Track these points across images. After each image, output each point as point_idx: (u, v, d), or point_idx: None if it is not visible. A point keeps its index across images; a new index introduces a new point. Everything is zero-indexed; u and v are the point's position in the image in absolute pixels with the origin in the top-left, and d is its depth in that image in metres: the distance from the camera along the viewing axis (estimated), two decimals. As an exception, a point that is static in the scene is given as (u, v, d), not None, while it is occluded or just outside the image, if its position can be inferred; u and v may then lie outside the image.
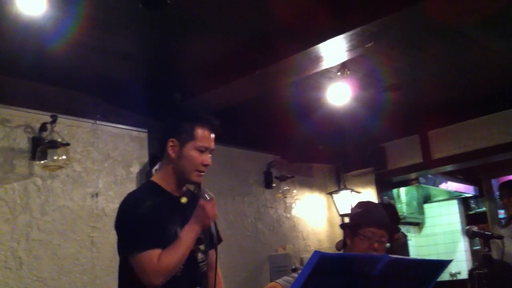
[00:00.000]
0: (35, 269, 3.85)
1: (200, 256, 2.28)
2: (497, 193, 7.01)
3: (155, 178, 2.36)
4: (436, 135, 5.85)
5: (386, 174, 6.24)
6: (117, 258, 3.50)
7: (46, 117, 4.04)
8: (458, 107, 5.53)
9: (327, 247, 6.05)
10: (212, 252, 2.44)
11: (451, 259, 1.87)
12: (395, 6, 3.25)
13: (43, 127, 4.01)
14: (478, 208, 7.78)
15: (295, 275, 2.59)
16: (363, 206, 2.75)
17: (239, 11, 3.48)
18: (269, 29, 3.74)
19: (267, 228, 5.69)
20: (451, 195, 7.77)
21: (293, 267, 5.14)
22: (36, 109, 4.05)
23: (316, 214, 6.27)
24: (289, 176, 5.78)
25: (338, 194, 6.10)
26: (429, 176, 6.79)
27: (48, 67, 3.88)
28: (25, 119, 4.02)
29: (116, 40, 3.69)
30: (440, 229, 7.94)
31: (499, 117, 5.41)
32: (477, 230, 2.96)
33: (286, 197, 5.90)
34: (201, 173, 2.27)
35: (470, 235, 2.99)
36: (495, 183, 7.34)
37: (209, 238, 2.42)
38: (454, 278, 7.25)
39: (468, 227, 3.04)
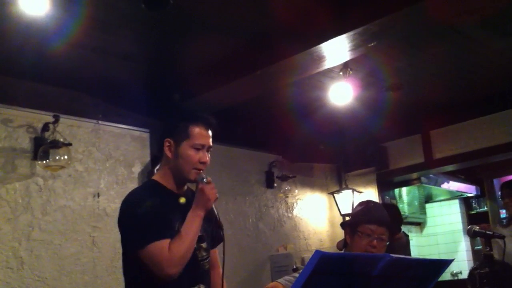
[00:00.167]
0: (36, 269, 3.86)
1: (201, 254, 2.29)
2: (498, 193, 7.01)
3: (156, 177, 2.38)
4: (437, 135, 5.85)
5: (388, 174, 6.24)
6: (118, 258, 3.49)
7: (48, 117, 4.04)
8: (460, 107, 5.53)
9: (329, 246, 6.06)
10: (214, 251, 2.46)
11: (452, 258, 1.86)
12: (396, 5, 3.25)
13: (45, 127, 4.02)
14: (480, 208, 7.77)
15: (296, 274, 2.60)
16: (363, 205, 2.77)
17: (239, 11, 3.48)
18: (270, 29, 3.74)
19: (268, 228, 5.70)
20: (453, 195, 7.76)
21: (294, 266, 5.14)
22: (38, 109, 4.06)
23: (317, 214, 6.27)
24: (290, 176, 5.78)
25: (340, 194, 6.09)
26: (431, 176, 6.79)
27: (49, 67, 3.88)
28: (27, 119, 4.03)
29: (117, 40, 3.69)
30: (441, 229, 7.93)
31: (501, 117, 5.41)
32: (478, 230, 2.96)
33: (287, 197, 5.90)
34: (199, 171, 2.27)
35: (471, 234, 2.98)
36: (496, 183, 7.34)
37: (211, 237, 2.43)
38: (455, 278, 7.24)
39: (469, 226, 3.04)
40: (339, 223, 2.89)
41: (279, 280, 2.59)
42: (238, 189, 5.46)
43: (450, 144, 5.74)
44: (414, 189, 7.39)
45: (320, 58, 3.85)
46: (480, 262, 2.96)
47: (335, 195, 6.13)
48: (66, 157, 3.94)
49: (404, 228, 6.15)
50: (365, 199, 3.23)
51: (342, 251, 2.77)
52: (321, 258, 1.46)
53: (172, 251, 2.09)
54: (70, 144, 4.01)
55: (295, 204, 6.05)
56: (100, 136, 4.44)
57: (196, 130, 2.28)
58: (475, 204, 7.86)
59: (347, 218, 5.78)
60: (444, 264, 1.81)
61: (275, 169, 5.81)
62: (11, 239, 3.79)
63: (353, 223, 2.65)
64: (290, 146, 5.87)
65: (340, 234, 2.80)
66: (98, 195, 4.31)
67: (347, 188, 6.13)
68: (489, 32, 4.01)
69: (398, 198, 7.25)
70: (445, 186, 7.26)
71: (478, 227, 2.99)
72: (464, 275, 7.07)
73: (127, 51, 3.90)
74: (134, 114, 4.62)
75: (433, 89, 5.10)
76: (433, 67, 4.64)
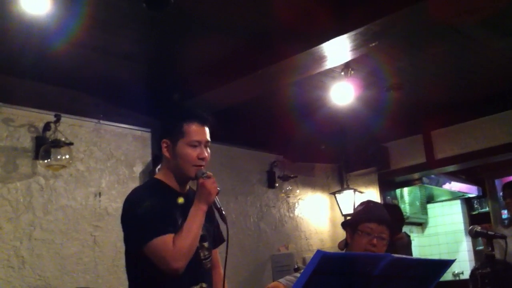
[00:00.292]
0: (37, 268, 3.86)
1: (203, 253, 2.29)
2: (500, 194, 7.00)
3: (159, 175, 2.39)
4: (439, 135, 5.84)
5: (389, 174, 6.24)
6: (119, 257, 3.51)
7: (49, 116, 4.05)
8: (461, 107, 5.53)
9: (330, 246, 6.05)
10: (215, 251, 2.46)
11: (454, 259, 1.86)
12: (397, 5, 3.25)
13: (46, 127, 4.02)
14: (481, 208, 7.76)
15: (297, 274, 2.60)
16: (364, 204, 2.78)
17: (240, 11, 3.48)
18: (271, 29, 3.73)
19: (269, 227, 5.70)
20: (454, 195, 7.75)
21: (296, 266, 5.14)
22: (39, 108, 4.06)
23: (319, 214, 6.27)
24: (291, 175, 5.78)
25: (341, 194, 6.09)
26: (432, 176, 6.78)
27: (50, 66, 3.88)
28: (29, 119, 4.03)
29: (118, 40, 3.69)
30: (443, 229, 7.92)
31: (502, 117, 5.40)
32: (480, 230, 2.96)
33: (288, 196, 5.90)
34: (200, 167, 2.27)
35: (473, 235, 2.98)
36: (498, 183, 7.33)
37: (213, 237, 2.44)
38: (457, 278, 7.24)
39: (471, 227, 3.03)
40: (340, 223, 2.90)
41: (280, 280, 2.60)
42: (240, 189, 5.46)
43: (451, 144, 5.73)
44: (415, 189, 7.39)
45: (321, 58, 3.85)
46: (482, 262, 2.95)
47: (336, 195, 6.13)
48: (67, 156, 3.95)
49: (405, 229, 6.15)
50: (366, 199, 3.24)
51: (344, 251, 2.78)
52: (323, 258, 1.45)
53: (176, 245, 2.09)
54: (71, 144, 4.01)
55: (296, 204, 6.05)
56: (102, 136, 4.44)
57: (191, 127, 2.28)
58: (476, 204, 7.85)
59: (349, 218, 5.78)
60: (445, 264, 1.81)
61: (276, 169, 5.81)
62: (12, 238, 3.79)
63: (354, 222, 2.67)
64: (291, 146, 5.87)
65: (342, 234, 2.81)
66: (100, 194, 4.32)
67: (348, 188, 6.13)
68: (490, 32, 4.01)
69: (399, 198, 7.24)
70: (446, 186, 7.25)
71: (479, 228, 2.99)
72: (466, 275, 7.06)
73: (128, 51, 3.90)
74: (135, 114, 4.62)
75: (434, 89, 5.09)
76: (434, 67, 4.64)
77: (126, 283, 2.33)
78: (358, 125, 5.79)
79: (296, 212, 6.03)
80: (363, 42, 3.61)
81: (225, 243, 2.54)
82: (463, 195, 7.74)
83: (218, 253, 2.52)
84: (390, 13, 3.30)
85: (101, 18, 3.39)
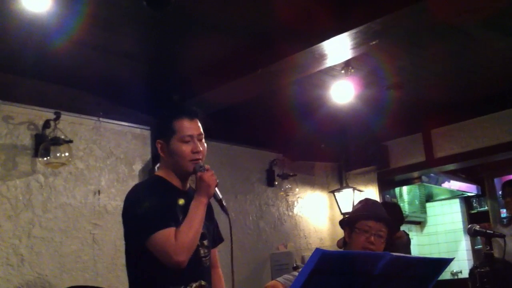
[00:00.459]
0: (36, 266, 3.86)
1: (203, 250, 2.30)
2: (499, 192, 7.00)
3: (159, 173, 2.41)
4: (438, 134, 5.84)
5: (389, 173, 6.23)
6: (118, 255, 3.51)
7: (49, 114, 4.05)
8: (461, 106, 5.53)
9: (329, 245, 6.05)
10: (214, 251, 2.48)
11: (452, 257, 1.86)
12: (398, 4, 3.25)
13: (46, 124, 4.02)
14: (480, 207, 7.77)
15: (296, 273, 2.60)
16: (362, 202, 2.79)
17: (241, 10, 3.48)
18: (271, 28, 3.73)
19: (268, 226, 5.70)
20: (454, 194, 7.76)
21: (295, 265, 5.14)
22: (39, 106, 4.06)
23: (318, 213, 6.27)
24: (291, 174, 5.78)
25: (341, 193, 6.09)
26: (432, 175, 6.78)
27: (51, 64, 3.88)
28: (28, 116, 4.03)
29: (119, 38, 3.69)
30: (442, 228, 7.93)
31: (502, 116, 5.40)
32: (479, 229, 2.96)
33: (288, 195, 5.90)
34: (197, 161, 2.28)
35: (472, 233, 2.99)
36: (497, 182, 7.34)
37: (213, 234, 2.44)
38: (456, 277, 7.24)
39: (470, 225, 3.04)
40: (338, 222, 2.90)
41: (278, 279, 2.60)
42: (239, 187, 5.46)
43: (451, 143, 5.73)
44: (414, 188, 7.39)
45: (321, 57, 3.84)
46: (481, 261, 2.96)
47: (335, 193, 6.13)
48: (67, 154, 3.94)
49: (404, 227, 6.16)
50: (364, 198, 3.24)
51: (342, 250, 2.78)
52: (322, 256, 1.45)
53: (178, 238, 2.10)
54: (71, 142, 4.01)
55: (295, 202, 6.05)
56: (101, 134, 4.44)
57: (180, 123, 2.30)
58: (475, 203, 7.86)
59: (347, 217, 5.77)
60: (444, 263, 1.81)
61: (276, 167, 5.81)
62: (11, 236, 3.79)
63: (351, 221, 2.67)
64: (291, 145, 5.86)
65: (341, 232, 2.81)
66: (99, 192, 4.31)
67: (347, 186, 6.13)
68: (491, 32, 4.01)
69: (398, 197, 7.25)
70: (446, 185, 7.25)
71: (478, 226, 2.99)
72: (464, 274, 7.08)
73: (129, 50, 3.90)
74: (135, 112, 4.62)
75: (434, 88, 5.09)
76: (434, 66, 4.64)
77: (125, 281, 2.33)
78: (358, 123, 5.79)
79: (295, 210, 6.03)
80: (364, 41, 3.61)
81: (223, 242, 2.56)
82: (462, 194, 7.74)
83: (217, 252, 2.53)
84: (391, 12, 3.30)
85: (102, 17, 3.38)
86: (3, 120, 3.91)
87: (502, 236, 3.11)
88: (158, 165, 2.48)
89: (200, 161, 2.29)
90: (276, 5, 3.44)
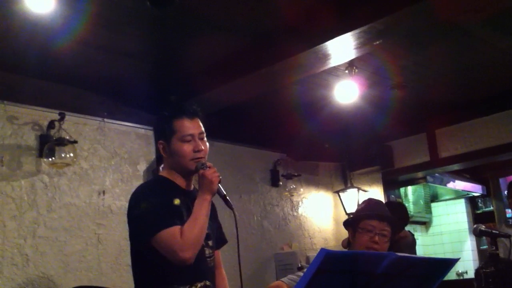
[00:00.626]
0: (41, 266, 3.87)
1: (208, 251, 2.31)
2: (504, 192, 6.99)
3: (163, 173, 2.42)
4: (443, 134, 5.83)
5: (393, 173, 6.22)
6: (122, 255, 3.51)
7: (53, 114, 4.06)
8: (465, 105, 5.51)
9: (333, 245, 6.05)
10: (217, 252, 2.48)
11: (457, 258, 1.85)
12: (401, 3, 3.24)
13: (50, 125, 4.03)
14: (486, 207, 7.74)
15: (300, 273, 2.60)
16: (365, 202, 2.78)
17: (244, 9, 3.48)
18: (274, 28, 3.73)
19: (273, 226, 5.69)
20: (459, 194, 7.74)
21: (299, 265, 5.14)
22: (43, 106, 4.07)
23: (322, 213, 6.26)
24: (295, 174, 5.78)
25: (345, 193, 6.09)
26: (437, 175, 6.77)
27: (55, 65, 3.89)
28: (33, 117, 4.04)
29: (122, 38, 3.69)
30: (447, 228, 7.91)
31: (506, 116, 5.39)
32: (484, 229, 2.95)
33: (292, 195, 5.90)
34: (198, 160, 2.27)
35: (477, 233, 2.98)
36: (502, 182, 7.32)
37: (217, 235, 2.45)
38: (461, 278, 7.23)
39: (475, 225, 3.03)
40: (342, 222, 2.90)
41: (282, 279, 2.60)
42: (243, 188, 5.46)
43: (455, 143, 5.72)
44: (419, 188, 7.38)
45: (325, 57, 3.84)
46: (486, 261, 2.95)
47: (340, 193, 6.13)
48: (71, 154, 3.95)
49: (409, 227, 6.15)
50: (367, 197, 3.24)
51: (347, 250, 2.77)
52: (326, 256, 1.45)
53: (184, 235, 2.11)
54: (75, 142, 4.02)
55: (300, 202, 6.05)
56: (105, 134, 4.45)
57: (180, 123, 2.30)
58: (480, 203, 7.84)
59: (350, 217, 5.77)
60: (449, 263, 1.80)
61: (280, 167, 5.81)
62: (16, 236, 3.80)
63: (355, 221, 2.67)
64: (295, 145, 5.86)
65: (345, 232, 2.80)
66: (103, 192, 4.32)
67: (352, 186, 6.12)
68: (495, 31, 3.99)
69: (403, 197, 7.24)
70: (450, 185, 7.24)
71: (484, 226, 2.98)
72: (470, 274, 7.07)
73: (132, 49, 3.90)
74: (139, 112, 4.63)
75: (438, 87, 5.08)
76: (438, 66, 4.63)
77: (130, 281, 2.34)
78: (362, 123, 5.78)
79: (300, 210, 6.03)
80: (367, 41, 3.60)
81: (228, 242, 2.56)
82: (467, 194, 7.72)
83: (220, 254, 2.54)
84: (394, 11, 3.29)
85: (106, 17, 3.39)
86: (7, 121, 3.92)
87: (508, 236, 3.10)
88: (162, 165, 2.48)
89: (202, 159, 2.29)
90: (280, 4, 3.43)
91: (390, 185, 6.42)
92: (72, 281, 3.98)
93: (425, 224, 8.01)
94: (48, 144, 3.93)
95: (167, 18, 3.48)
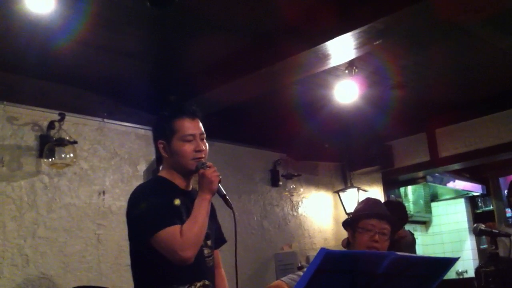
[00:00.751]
0: (41, 266, 3.87)
1: (206, 251, 2.31)
2: (504, 192, 6.99)
3: (162, 173, 2.41)
4: (443, 133, 5.83)
5: (393, 173, 6.23)
6: (122, 256, 3.50)
7: (53, 115, 4.06)
8: (465, 105, 5.51)
9: (333, 245, 6.05)
10: (216, 252, 2.49)
11: (457, 257, 1.85)
12: (401, 3, 3.24)
13: (50, 125, 4.03)
14: (486, 207, 7.75)
15: (301, 273, 2.60)
16: (363, 202, 2.78)
17: (244, 9, 3.47)
18: (274, 27, 3.73)
19: (273, 226, 5.69)
20: (459, 194, 7.75)
21: (299, 265, 5.14)
22: (43, 107, 4.07)
23: (322, 213, 6.26)
24: (295, 174, 5.78)
25: (345, 192, 6.09)
26: (437, 174, 6.77)
27: (55, 65, 3.89)
28: (33, 117, 4.04)
29: (122, 38, 3.69)
30: (447, 228, 7.92)
31: (506, 115, 5.39)
32: (484, 228, 2.96)
33: (292, 195, 5.90)
34: (199, 159, 2.28)
35: (477, 233, 2.98)
36: (502, 181, 7.33)
37: (216, 235, 2.45)
38: (461, 277, 7.23)
39: (475, 225, 3.04)
40: (342, 223, 2.89)
41: (283, 279, 2.60)
42: (243, 187, 5.46)
43: (455, 143, 5.72)
44: (419, 187, 7.38)
45: (325, 56, 3.84)
46: (486, 261, 2.95)
47: (340, 193, 6.13)
48: (71, 155, 3.95)
49: (409, 227, 6.16)
50: (365, 197, 3.23)
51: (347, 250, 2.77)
52: (326, 256, 1.45)
53: (184, 234, 2.11)
54: (75, 142, 4.02)
55: (300, 202, 6.05)
56: (105, 134, 4.45)
57: (181, 122, 2.31)
58: (480, 203, 7.84)
59: (349, 217, 5.77)
60: (449, 262, 1.80)
61: (280, 167, 5.81)
62: (16, 236, 3.80)
63: (354, 221, 2.66)
64: (295, 145, 5.86)
65: (345, 232, 2.80)
66: (103, 193, 4.32)
67: (352, 186, 6.12)
68: (495, 31, 3.99)
69: (403, 197, 7.24)
70: (450, 184, 7.24)
71: (484, 226, 2.99)
72: (470, 274, 7.07)
73: (132, 49, 3.90)
74: (139, 112, 4.63)
75: (438, 87, 5.08)
76: (438, 66, 4.63)
77: (129, 281, 2.34)
78: (362, 123, 5.78)
79: (300, 210, 6.03)
80: (367, 40, 3.60)
81: (226, 244, 2.56)
82: (467, 194, 7.73)
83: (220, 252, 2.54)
84: (394, 11, 3.29)
85: (106, 17, 3.39)
86: (7, 121, 3.92)
87: (508, 236, 3.10)
88: (161, 167, 2.48)
89: (202, 159, 2.29)
90: (280, 4, 3.43)
91: (390, 185, 6.42)
92: (72, 281, 3.98)
93: (425, 223, 8.01)
94: (48, 144, 3.93)
95: (167, 18, 3.48)
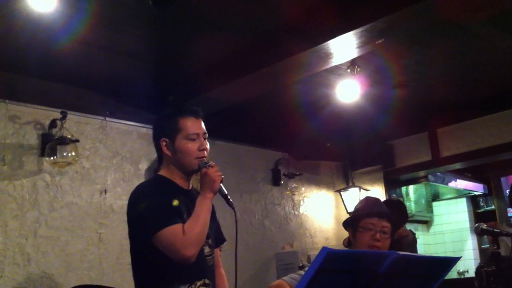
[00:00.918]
0: (42, 265, 3.87)
1: (207, 250, 2.32)
2: (506, 191, 6.99)
3: (162, 172, 2.41)
4: (444, 133, 5.83)
5: (395, 172, 6.22)
6: (124, 255, 3.51)
7: (55, 113, 4.06)
8: (467, 105, 5.51)
9: (335, 245, 6.05)
10: (216, 251, 2.49)
11: (459, 256, 1.85)
12: (403, 2, 3.24)
13: (52, 124, 4.04)
14: (487, 207, 7.75)
15: (302, 272, 2.59)
16: (363, 201, 2.78)
17: (246, 9, 3.47)
18: (276, 27, 3.73)
19: (274, 225, 5.69)
20: (460, 193, 7.74)
21: (301, 264, 5.14)
22: (45, 105, 4.07)
23: (324, 212, 6.26)
24: (297, 173, 5.77)
25: (347, 192, 6.09)
26: (438, 174, 6.77)
27: (56, 64, 3.89)
28: (35, 116, 4.04)
29: (123, 38, 3.69)
30: (448, 227, 7.91)
31: (508, 114, 5.39)
32: (486, 228, 2.95)
33: (293, 194, 5.89)
34: (202, 159, 2.29)
35: (479, 232, 2.97)
36: (504, 181, 7.32)
37: (216, 235, 2.45)
38: (462, 277, 7.22)
39: (477, 224, 3.03)
40: (342, 223, 2.89)
41: (284, 278, 2.59)
42: (244, 187, 5.46)
43: (457, 142, 5.72)
44: (421, 187, 7.38)
45: (327, 56, 3.84)
46: (487, 260, 2.94)
47: (341, 193, 6.13)
48: (73, 153, 3.95)
49: (410, 226, 6.16)
50: (365, 196, 3.23)
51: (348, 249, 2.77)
52: (328, 255, 1.45)
53: (186, 233, 2.12)
54: (77, 141, 4.02)
55: (301, 202, 6.05)
56: (107, 133, 4.45)
57: (186, 121, 2.31)
58: (482, 202, 7.84)
59: (349, 217, 5.76)
60: (450, 262, 1.80)
61: (281, 166, 5.80)
62: (18, 235, 3.80)
63: (354, 220, 2.66)
64: (297, 144, 5.86)
65: (346, 232, 2.80)
66: (105, 191, 4.32)
67: (353, 186, 6.12)
68: (497, 30, 3.99)
69: (405, 196, 7.24)
70: (452, 184, 7.24)
71: (485, 225, 2.98)
72: (471, 273, 7.06)
73: (134, 49, 3.90)
74: (141, 111, 4.63)
75: (440, 87, 5.08)
76: (440, 65, 4.63)
77: (131, 280, 2.34)
78: (363, 122, 5.78)
79: (301, 210, 6.03)
80: (369, 40, 3.60)
81: (228, 240, 2.56)
82: (468, 193, 7.72)
83: (220, 251, 2.55)
84: (396, 10, 3.29)
85: (107, 16, 3.39)
86: (9, 120, 3.92)
87: (509, 235, 3.09)
88: (161, 167, 2.48)
89: (204, 158, 2.29)
90: (281, 4, 3.43)
91: (392, 184, 6.42)
92: (74, 280, 3.98)
93: (427, 223, 8.01)
94: (50, 143, 3.93)
95: (168, 18, 3.48)
